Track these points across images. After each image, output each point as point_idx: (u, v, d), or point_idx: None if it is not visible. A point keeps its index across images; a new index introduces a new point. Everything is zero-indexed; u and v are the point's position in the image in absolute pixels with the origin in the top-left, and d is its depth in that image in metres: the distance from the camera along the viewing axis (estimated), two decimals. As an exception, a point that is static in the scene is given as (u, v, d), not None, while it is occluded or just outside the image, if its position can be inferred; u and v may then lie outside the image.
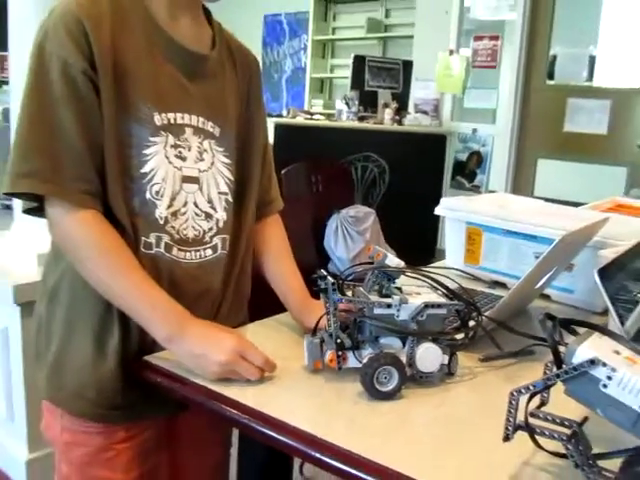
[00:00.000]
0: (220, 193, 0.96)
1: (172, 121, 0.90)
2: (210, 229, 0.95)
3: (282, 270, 1.07)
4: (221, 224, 0.96)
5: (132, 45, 0.87)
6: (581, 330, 0.61)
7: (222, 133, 0.97)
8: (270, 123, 4.52)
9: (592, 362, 0.53)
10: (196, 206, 0.93)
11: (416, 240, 3.93)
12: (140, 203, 0.87)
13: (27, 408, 1.84)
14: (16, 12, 1.93)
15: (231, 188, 0.98)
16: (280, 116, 4.41)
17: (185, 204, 0.91)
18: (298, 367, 0.86)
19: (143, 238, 0.88)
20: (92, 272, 0.85)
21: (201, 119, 0.93)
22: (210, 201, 0.94)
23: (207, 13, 1.00)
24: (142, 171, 0.87)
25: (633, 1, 4.33)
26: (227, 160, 0.98)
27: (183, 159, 0.91)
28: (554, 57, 4.55)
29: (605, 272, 0.73)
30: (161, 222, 0.89)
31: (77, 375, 0.90)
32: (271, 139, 4.36)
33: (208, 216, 0.94)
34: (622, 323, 0.71)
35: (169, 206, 0.89)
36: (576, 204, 1.80)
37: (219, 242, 0.96)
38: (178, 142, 0.90)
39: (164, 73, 0.90)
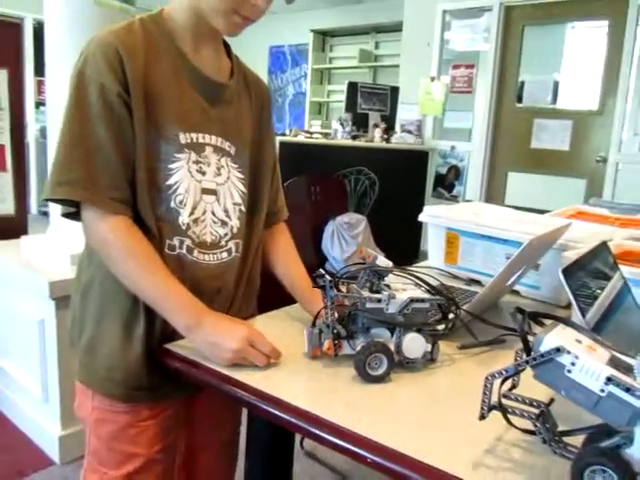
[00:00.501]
0: (234, 204, 0.96)
1: (195, 140, 0.90)
2: (225, 234, 0.95)
3: (291, 270, 1.07)
4: (235, 230, 0.96)
5: (161, 73, 0.88)
6: (547, 322, 0.61)
7: (237, 152, 0.97)
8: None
9: (557, 350, 0.52)
10: (214, 214, 0.93)
11: (402, 243, 3.93)
12: (165, 210, 0.88)
13: (60, 390, 1.83)
14: (52, 42, 1.93)
15: (244, 199, 0.98)
16: (284, 135, 4.40)
17: (204, 212, 0.92)
18: (299, 354, 0.86)
19: (167, 241, 0.88)
20: (122, 270, 0.85)
21: (219, 139, 0.94)
22: (226, 210, 0.95)
23: (226, 46, 1.01)
24: (168, 183, 0.87)
25: (592, 33, 4.34)
26: (241, 175, 0.98)
27: (203, 173, 0.91)
28: (522, 83, 4.55)
29: (568, 271, 0.72)
30: (183, 227, 0.89)
31: (107, 359, 0.90)
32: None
33: (224, 223, 0.95)
34: (583, 316, 0.71)
35: (190, 214, 0.90)
36: (542, 211, 1.80)
37: (233, 246, 0.96)
38: (199, 159, 0.91)
39: (188, 98, 0.91)
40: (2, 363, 2.18)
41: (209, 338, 0.82)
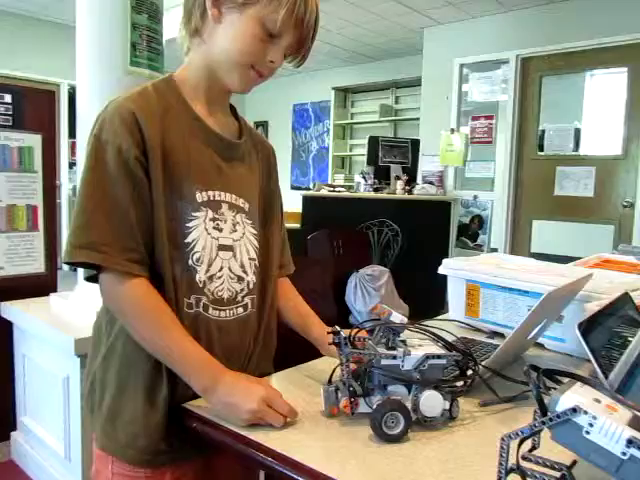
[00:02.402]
0: (250, 259, 0.97)
1: (211, 198, 0.92)
2: (242, 290, 0.95)
3: (306, 319, 1.08)
4: (251, 285, 0.97)
5: (177, 134, 0.90)
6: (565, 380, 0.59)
7: (250, 208, 0.99)
8: (298, 195, 4.59)
9: (574, 410, 0.50)
10: (230, 270, 0.93)
11: (427, 293, 3.88)
12: (182, 268, 0.88)
13: (82, 450, 1.82)
14: (83, 108, 2.03)
15: (258, 254, 0.99)
16: (308, 189, 4.48)
17: (221, 269, 0.92)
18: (316, 412, 0.84)
19: (185, 299, 0.88)
20: (139, 331, 0.85)
21: (234, 196, 0.96)
22: (242, 266, 0.95)
23: (232, 108, 1.04)
24: (185, 241, 0.88)
25: (611, 79, 4.37)
26: (254, 231, 0.99)
27: (220, 230, 0.92)
28: (543, 131, 4.57)
29: (586, 326, 0.70)
30: (200, 285, 0.89)
31: (130, 426, 0.88)
32: (299, 209, 4.42)
33: (240, 279, 0.95)
34: (605, 373, 0.68)
35: (207, 271, 0.90)
36: (571, 258, 1.77)
37: (249, 301, 0.96)
38: (216, 216, 0.92)
39: (204, 157, 0.93)
40: (27, 420, 2.19)
41: (226, 399, 0.81)
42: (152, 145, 0.85)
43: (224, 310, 0.92)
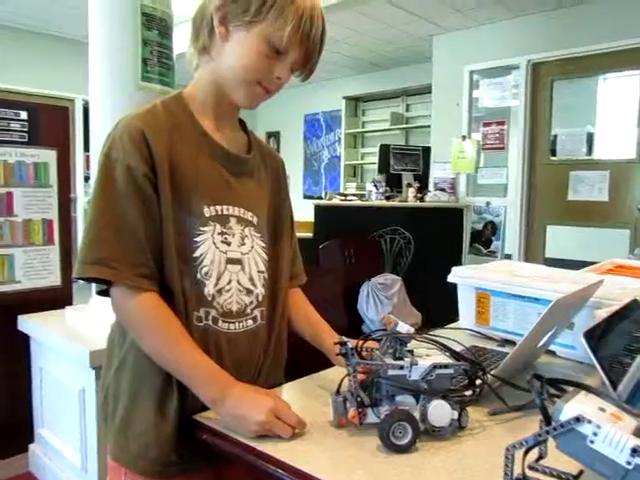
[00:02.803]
0: (259, 272, 0.98)
1: (219, 212, 0.93)
2: (251, 302, 0.96)
3: (316, 327, 1.09)
4: (260, 298, 0.97)
5: (185, 150, 0.91)
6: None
7: (259, 222, 0.99)
8: (310, 205, 4.61)
9: (578, 419, 0.50)
10: (239, 283, 0.94)
11: (440, 301, 3.85)
12: (191, 282, 0.89)
13: (98, 461, 1.84)
14: (96, 123, 2.06)
15: (267, 267, 1.00)
16: (320, 198, 4.49)
17: (229, 282, 0.93)
18: (325, 422, 0.85)
19: (195, 312, 0.89)
20: (149, 344, 0.87)
21: (242, 210, 0.96)
22: (251, 279, 0.96)
23: (241, 123, 1.05)
24: (194, 255, 0.89)
25: (625, 82, 4.34)
26: (263, 244, 1.00)
27: (228, 244, 0.93)
28: (555, 136, 4.54)
29: (592, 334, 0.70)
30: (209, 298, 0.90)
31: (142, 437, 0.89)
32: (312, 218, 4.43)
33: (249, 292, 0.95)
34: (613, 383, 0.67)
35: (215, 284, 0.91)
36: (585, 263, 1.76)
37: (258, 314, 0.97)
38: (224, 230, 0.93)
39: (212, 171, 0.94)
40: (44, 432, 2.22)
41: (234, 411, 0.82)
42: (160, 160, 0.87)
43: (233, 323, 0.93)
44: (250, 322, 0.96)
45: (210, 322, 0.91)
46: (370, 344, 0.88)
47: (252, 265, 0.97)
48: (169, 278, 0.88)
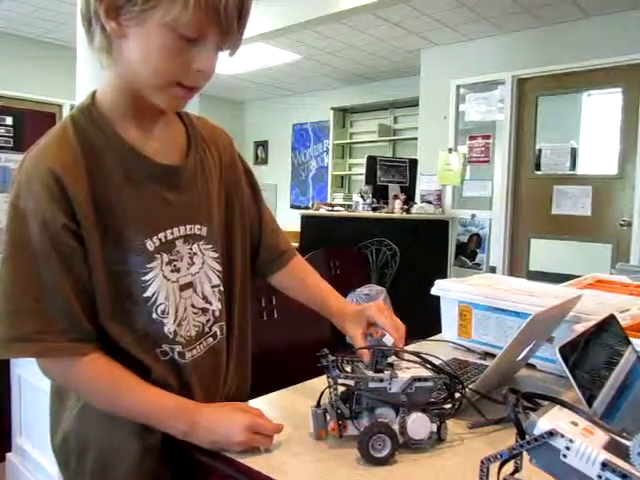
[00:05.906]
0: (213, 287, 0.91)
1: (163, 240, 0.83)
2: (208, 321, 0.90)
3: (320, 291, 1.06)
4: (217, 313, 0.91)
5: (110, 180, 0.79)
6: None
7: (209, 230, 0.90)
8: (297, 214, 4.61)
9: (551, 433, 0.51)
10: (193, 307, 0.87)
11: (425, 313, 3.87)
12: (146, 322, 0.82)
13: None
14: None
15: (221, 278, 0.93)
16: (307, 208, 4.50)
17: (185, 310, 0.86)
18: (306, 434, 0.85)
19: (157, 349, 0.83)
20: (100, 405, 0.81)
21: (188, 226, 0.87)
22: (204, 297, 0.89)
23: (178, 114, 0.92)
24: (145, 295, 0.81)
25: (608, 99, 4.42)
26: (215, 254, 0.92)
27: (178, 270, 0.85)
28: (539, 151, 4.61)
29: (568, 349, 0.71)
30: (171, 336, 0.84)
31: (127, 477, 0.83)
32: (298, 228, 4.43)
33: (204, 310, 0.89)
34: (588, 400, 0.68)
35: (174, 320, 0.84)
36: (569, 277, 1.78)
37: (218, 329, 0.92)
38: (172, 257, 0.84)
39: (146, 194, 0.82)
40: (21, 441, 2.18)
41: (210, 437, 0.78)
42: (80, 203, 0.75)
43: (196, 347, 0.88)
44: (210, 340, 0.91)
45: (176, 356, 0.85)
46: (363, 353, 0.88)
47: (204, 282, 0.89)
48: (114, 325, 0.80)
